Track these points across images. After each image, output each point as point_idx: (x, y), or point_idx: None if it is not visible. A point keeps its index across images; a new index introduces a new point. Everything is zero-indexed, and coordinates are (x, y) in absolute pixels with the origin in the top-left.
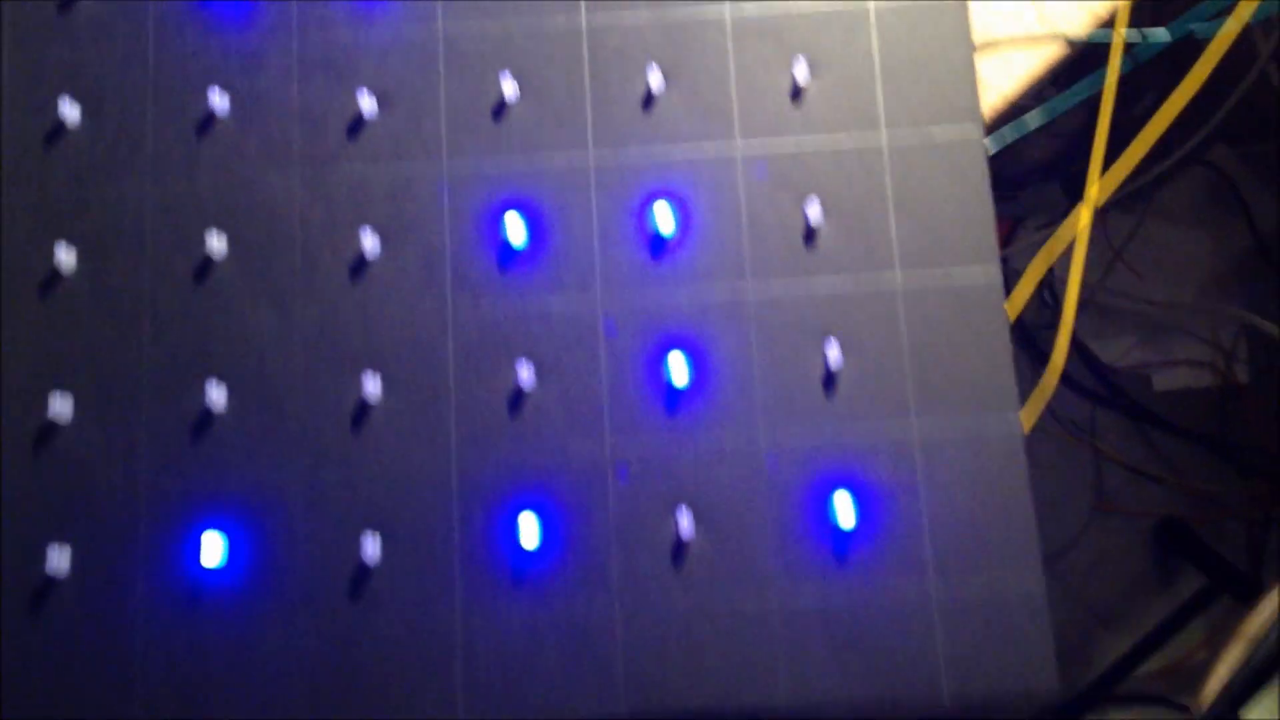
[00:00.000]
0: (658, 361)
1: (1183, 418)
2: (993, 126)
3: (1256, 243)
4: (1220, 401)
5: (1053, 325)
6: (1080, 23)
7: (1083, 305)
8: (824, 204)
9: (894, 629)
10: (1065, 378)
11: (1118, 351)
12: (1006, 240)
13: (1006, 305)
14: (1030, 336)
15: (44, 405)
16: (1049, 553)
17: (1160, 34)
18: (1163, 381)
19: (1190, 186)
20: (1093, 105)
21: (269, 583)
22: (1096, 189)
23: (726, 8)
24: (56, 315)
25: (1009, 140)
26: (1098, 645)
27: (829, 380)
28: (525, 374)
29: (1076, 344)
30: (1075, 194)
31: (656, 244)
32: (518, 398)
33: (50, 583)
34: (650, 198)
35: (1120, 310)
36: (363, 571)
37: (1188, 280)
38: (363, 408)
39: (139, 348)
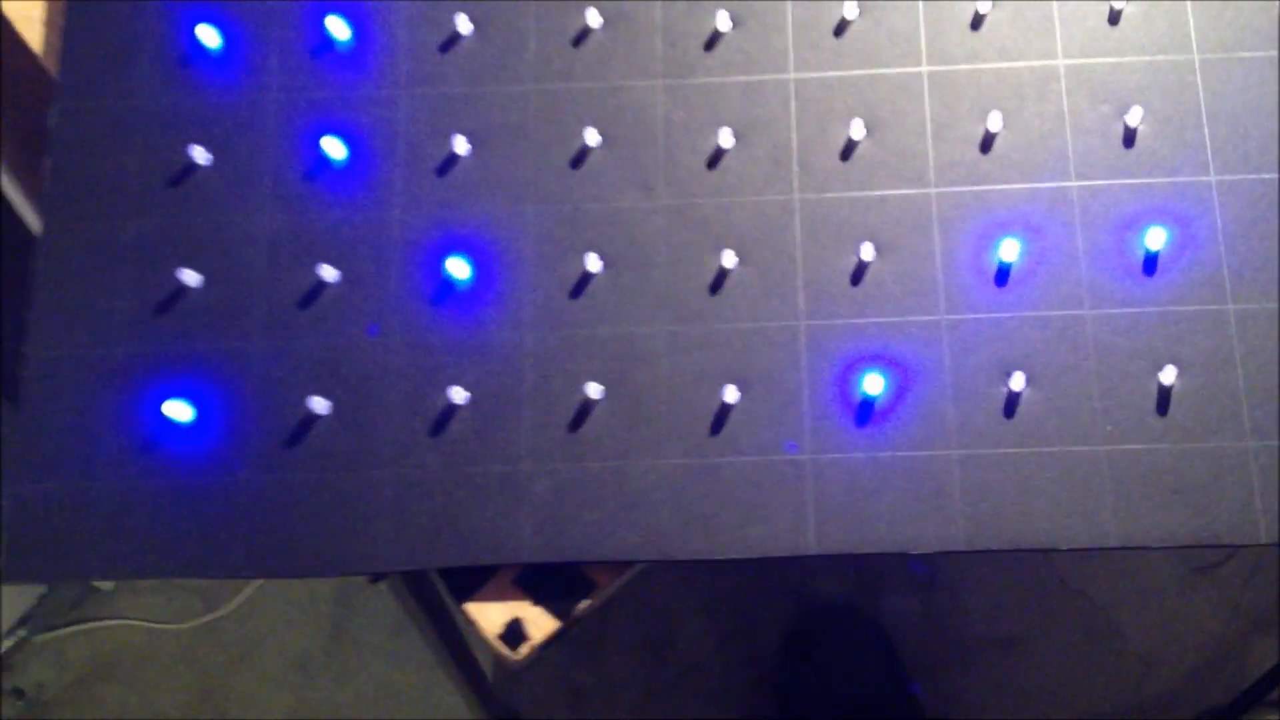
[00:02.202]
0: (987, 242)
1: None
2: None
3: None
4: None
5: None
6: None
7: None
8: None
9: (1212, 474)
10: None
11: None
12: None
13: None
14: None
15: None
16: (1208, 563)
17: None
18: None
19: None
20: None
21: (639, 417)
22: None
23: None
24: (449, 190)
25: None
26: (1255, 651)
27: (1150, 262)
28: (866, 252)
29: None
30: None
31: (987, 141)
32: (860, 271)
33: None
34: (983, 108)
35: None
36: (722, 413)
37: None
38: (721, 275)
39: (523, 219)
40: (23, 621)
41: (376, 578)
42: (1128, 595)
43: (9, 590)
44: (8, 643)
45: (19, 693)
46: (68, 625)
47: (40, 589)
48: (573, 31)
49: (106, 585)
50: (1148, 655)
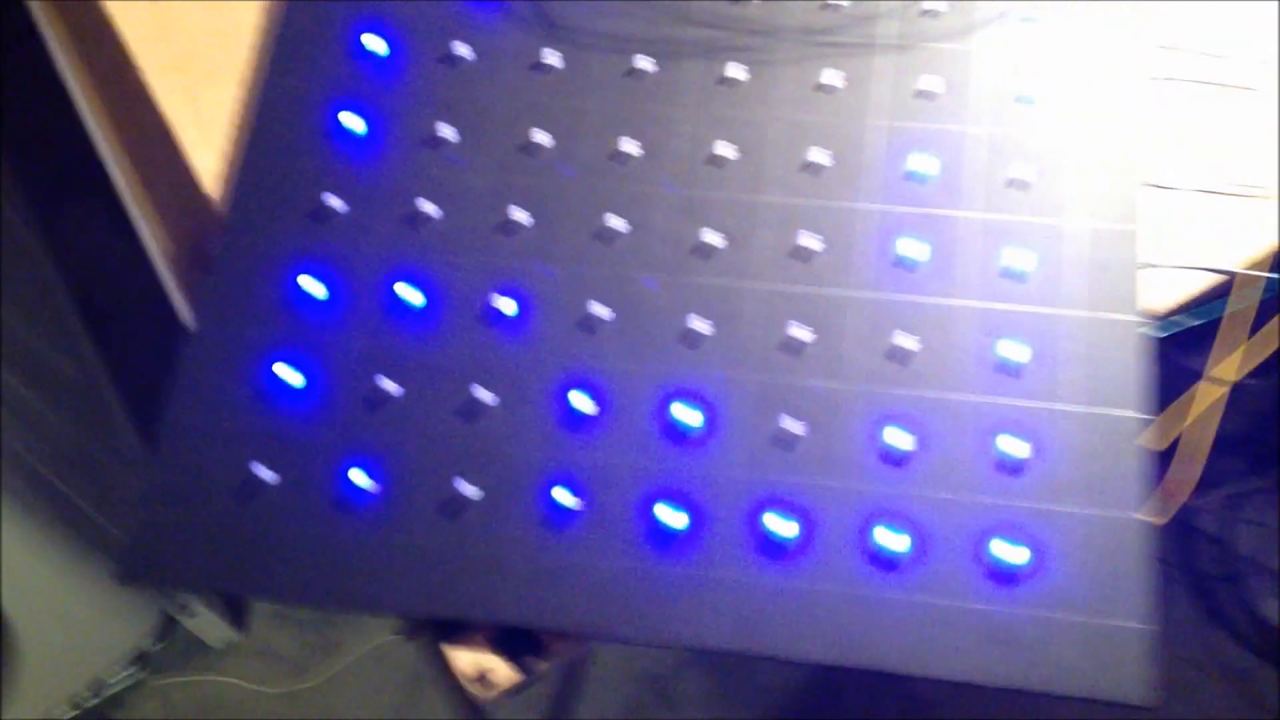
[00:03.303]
0: (884, 430)
1: None
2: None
3: None
4: None
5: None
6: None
7: (1257, 569)
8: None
9: (1027, 629)
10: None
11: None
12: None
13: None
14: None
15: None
16: None
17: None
18: None
19: None
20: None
21: (601, 527)
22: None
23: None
24: (489, 338)
25: (1164, 332)
26: None
27: (1001, 465)
28: (795, 428)
29: (1243, 603)
30: (1260, 469)
31: (895, 354)
32: (778, 439)
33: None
34: (896, 328)
35: None
36: (666, 534)
37: None
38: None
39: (544, 368)
40: (139, 662)
41: (411, 634)
42: None
43: (129, 625)
44: (122, 677)
45: None
46: (178, 674)
47: (155, 633)
48: (596, 228)
49: (217, 643)
50: None
